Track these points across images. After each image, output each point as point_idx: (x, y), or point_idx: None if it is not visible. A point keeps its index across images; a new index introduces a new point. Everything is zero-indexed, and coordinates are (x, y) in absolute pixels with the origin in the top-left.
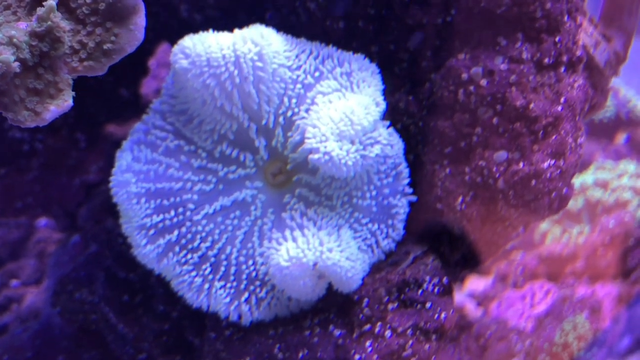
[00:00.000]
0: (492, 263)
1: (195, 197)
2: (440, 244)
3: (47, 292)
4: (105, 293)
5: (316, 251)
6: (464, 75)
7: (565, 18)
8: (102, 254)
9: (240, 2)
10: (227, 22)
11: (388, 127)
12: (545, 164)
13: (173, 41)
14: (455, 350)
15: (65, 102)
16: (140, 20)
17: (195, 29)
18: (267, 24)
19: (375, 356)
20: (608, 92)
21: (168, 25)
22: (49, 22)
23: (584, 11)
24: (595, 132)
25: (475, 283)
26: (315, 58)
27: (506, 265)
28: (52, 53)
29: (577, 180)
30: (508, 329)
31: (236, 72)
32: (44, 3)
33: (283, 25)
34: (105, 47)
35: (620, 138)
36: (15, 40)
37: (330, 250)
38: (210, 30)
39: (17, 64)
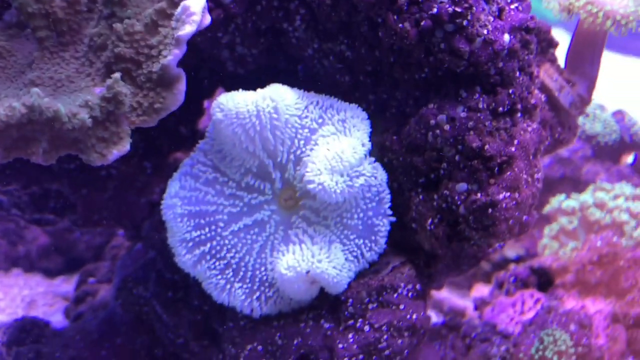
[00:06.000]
0: (493, 272)
1: (225, 217)
2: (416, 256)
3: (114, 288)
4: (155, 290)
5: (308, 262)
6: (432, 121)
7: (517, 74)
8: (156, 259)
9: (273, 58)
10: (265, 73)
11: (373, 162)
12: (501, 196)
13: (225, 87)
14: (441, 346)
15: (124, 147)
16: (181, 86)
17: (240, 79)
18: (299, 74)
19: (355, 346)
20: (576, 128)
21: (220, 76)
22: (115, 90)
23: (538, 65)
24: (601, 155)
25: (481, 290)
26: (320, 108)
27: (504, 275)
28: (117, 111)
29: (577, 200)
30: (495, 332)
31: (257, 122)
32: (111, 76)
33: (310, 74)
34: (155, 106)
35: (628, 159)
36: (90, 103)
37: (320, 261)
38: (251, 79)
39: (90, 120)
